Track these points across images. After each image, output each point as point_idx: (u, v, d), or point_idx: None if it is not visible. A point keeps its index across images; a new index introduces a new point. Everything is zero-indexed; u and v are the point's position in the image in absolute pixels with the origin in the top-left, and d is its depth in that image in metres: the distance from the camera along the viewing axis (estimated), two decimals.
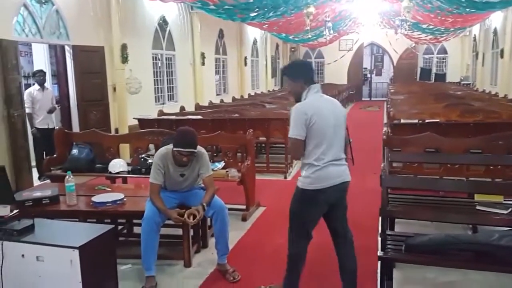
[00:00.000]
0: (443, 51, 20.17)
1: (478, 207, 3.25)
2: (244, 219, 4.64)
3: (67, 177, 3.65)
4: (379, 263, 3.35)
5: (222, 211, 3.38)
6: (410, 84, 16.64)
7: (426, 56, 20.64)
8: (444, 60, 20.40)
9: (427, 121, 5.49)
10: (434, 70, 20.47)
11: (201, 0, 8.10)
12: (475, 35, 16.97)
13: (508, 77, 11.99)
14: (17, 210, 2.85)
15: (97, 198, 3.64)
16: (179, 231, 3.60)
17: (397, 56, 20.14)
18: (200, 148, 3.46)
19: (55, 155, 5.38)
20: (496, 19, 13.43)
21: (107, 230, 2.67)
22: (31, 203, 3.54)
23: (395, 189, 3.74)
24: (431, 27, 13.69)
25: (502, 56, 12.26)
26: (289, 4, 8.81)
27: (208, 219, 3.84)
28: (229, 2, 8.62)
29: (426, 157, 4.13)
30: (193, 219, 3.22)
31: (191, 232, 3.67)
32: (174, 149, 3.28)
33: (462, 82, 17.22)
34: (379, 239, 3.91)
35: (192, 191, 3.54)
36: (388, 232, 2.89)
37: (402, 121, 5.68)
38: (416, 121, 5.66)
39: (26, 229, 2.65)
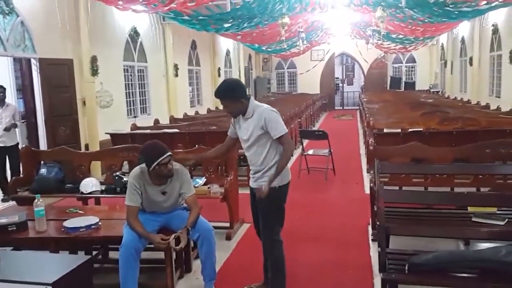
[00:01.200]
0: (412, 60, 20.63)
1: (474, 219, 3.16)
2: (228, 237, 4.40)
3: (36, 200, 3.33)
4: (376, 281, 3.22)
5: (208, 233, 3.14)
6: (382, 93, 16.85)
7: (396, 65, 21.04)
8: (413, 69, 20.85)
9: (409, 130, 5.44)
10: (403, 79, 20.88)
11: (175, 11, 7.87)
12: (442, 44, 17.43)
13: (478, 84, 12.31)
14: None
15: (69, 223, 3.34)
16: (161, 255, 3.32)
17: (368, 65, 20.45)
18: (179, 166, 3.25)
19: (21, 175, 5.02)
20: (463, 28, 13.81)
21: (83, 262, 2.39)
22: None
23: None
24: (401, 36, 13.92)
25: (471, 64, 12.59)
26: (264, 15, 8.70)
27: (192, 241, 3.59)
28: (204, 13, 8.45)
29: (416, 168, 4.04)
30: (177, 244, 2.97)
31: (173, 255, 3.41)
32: (154, 165, 3.04)
33: (432, 90, 17.60)
34: (373, 256, 3.79)
35: (175, 212, 3.29)
36: (387, 250, 2.72)
37: (385, 130, 5.61)
38: (399, 130, 5.61)
39: None
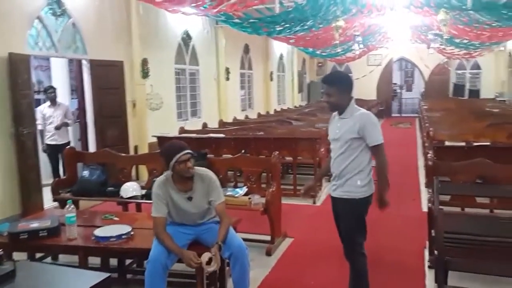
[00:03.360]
0: (477, 66, 19.29)
1: None
2: (268, 253, 4.08)
3: (67, 206, 3.25)
4: None
5: (241, 252, 2.85)
6: (444, 100, 15.82)
7: (459, 72, 19.77)
8: (478, 76, 19.48)
9: (475, 144, 4.84)
10: (467, 86, 19.54)
11: (226, 14, 7.73)
12: (510, 50, 16.06)
13: None
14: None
15: (100, 232, 3.19)
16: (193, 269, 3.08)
17: (429, 71, 19.36)
18: (207, 171, 3.04)
19: (64, 177, 5.03)
20: None
21: (101, 280, 2.20)
22: (26, 236, 3.14)
23: None
24: (465, 41, 12.94)
25: None
26: (317, 17, 8.33)
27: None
28: (255, 15, 8.25)
29: (482, 190, 3.51)
30: (210, 264, 2.71)
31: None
32: (173, 163, 2.87)
33: (497, 99, 16.28)
34: (428, 285, 3.34)
35: (207, 226, 3.04)
36: (446, 287, 2.29)
37: (447, 143, 5.04)
38: (462, 143, 5.02)
39: (5, 277, 2.19)
